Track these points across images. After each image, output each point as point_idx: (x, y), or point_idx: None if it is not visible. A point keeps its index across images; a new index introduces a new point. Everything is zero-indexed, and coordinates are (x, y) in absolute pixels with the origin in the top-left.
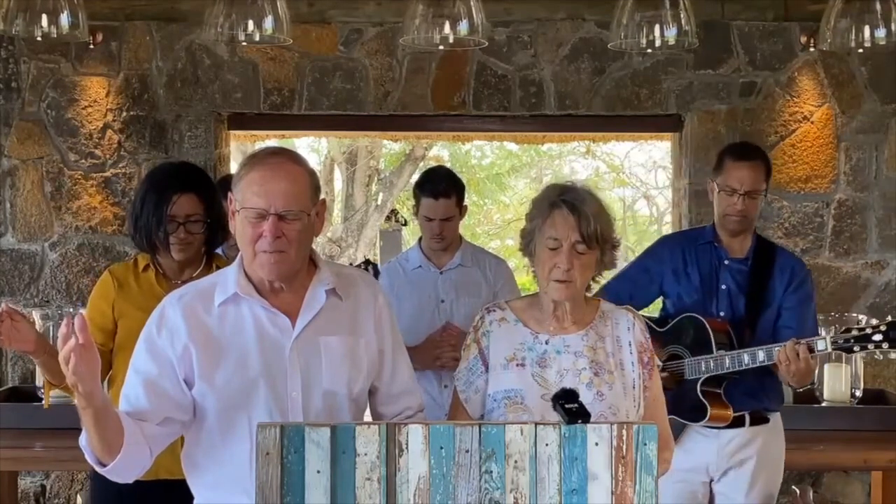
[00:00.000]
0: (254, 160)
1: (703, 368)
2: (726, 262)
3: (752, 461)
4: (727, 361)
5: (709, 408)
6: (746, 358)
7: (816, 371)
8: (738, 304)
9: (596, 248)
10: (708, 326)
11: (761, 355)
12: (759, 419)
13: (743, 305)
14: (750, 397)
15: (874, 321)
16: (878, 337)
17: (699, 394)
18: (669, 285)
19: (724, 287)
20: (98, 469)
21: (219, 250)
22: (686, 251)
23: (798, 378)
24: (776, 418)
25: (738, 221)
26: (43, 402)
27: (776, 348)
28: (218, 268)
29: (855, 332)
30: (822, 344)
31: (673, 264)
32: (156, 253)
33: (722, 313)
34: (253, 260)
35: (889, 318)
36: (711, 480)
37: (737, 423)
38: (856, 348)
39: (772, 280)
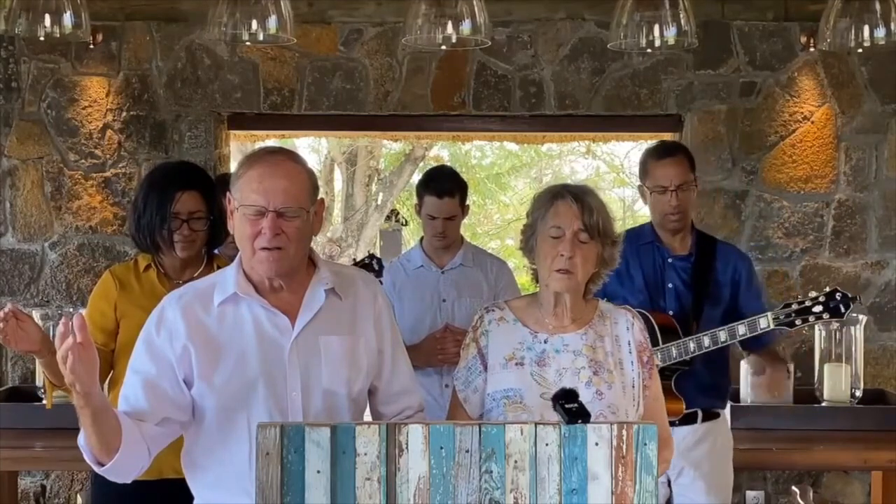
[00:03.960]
0: (252, 159)
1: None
2: (670, 260)
3: (706, 461)
4: (673, 351)
5: None
6: (692, 345)
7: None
8: (686, 300)
9: (597, 241)
10: (652, 320)
11: (706, 341)
12: (711, 415)
13: (690, 301)
14: (701, 394)
15: (813, 293)
16: (817, 308)
17: None
18: (613, 289)
19: (670, 286)
20: (96, 468)
21: (216, 251)
22: (627, 252)
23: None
24: (724, 414)
25: (677, 219)
26: (44, 402)
27: (721, 331)
28: (219, 268)
29: (795, 307)
30: (765, 321)
31: None
32: (158, 252)
33: (671, 312)
34: (252, 257)
35: (827, 289)
36: (669, 481)
37: (689, 419)
38: (797, 322)
39: (714, 274)
